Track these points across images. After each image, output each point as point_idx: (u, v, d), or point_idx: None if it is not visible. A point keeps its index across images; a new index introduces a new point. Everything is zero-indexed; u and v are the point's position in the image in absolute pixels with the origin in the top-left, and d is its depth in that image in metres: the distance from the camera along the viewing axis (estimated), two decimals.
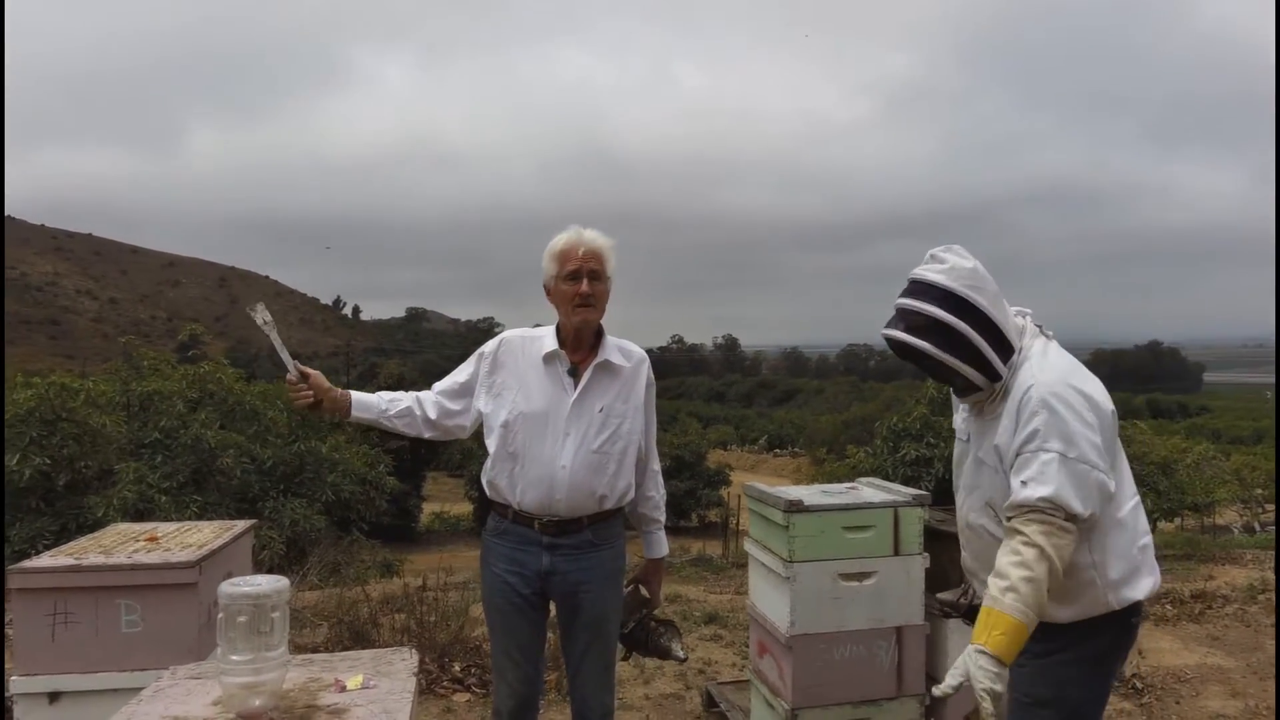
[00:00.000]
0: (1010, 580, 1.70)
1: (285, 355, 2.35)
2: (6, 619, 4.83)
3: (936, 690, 1.70)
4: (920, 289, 1.87)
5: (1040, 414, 1.77)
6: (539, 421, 2.28)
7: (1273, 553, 7.93)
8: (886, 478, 8.92)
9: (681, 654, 2.55)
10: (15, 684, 2.30)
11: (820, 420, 41.73)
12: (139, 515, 7.55)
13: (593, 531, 2.33)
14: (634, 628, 2.53)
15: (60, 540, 6.60)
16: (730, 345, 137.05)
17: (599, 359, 2.33)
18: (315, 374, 2.32)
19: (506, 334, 2.45)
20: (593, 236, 2.33)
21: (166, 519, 7.41)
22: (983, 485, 1.95)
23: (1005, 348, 1.87)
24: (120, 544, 2.54)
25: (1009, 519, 1.78)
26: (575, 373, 2.32)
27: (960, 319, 1.83)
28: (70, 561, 2.34)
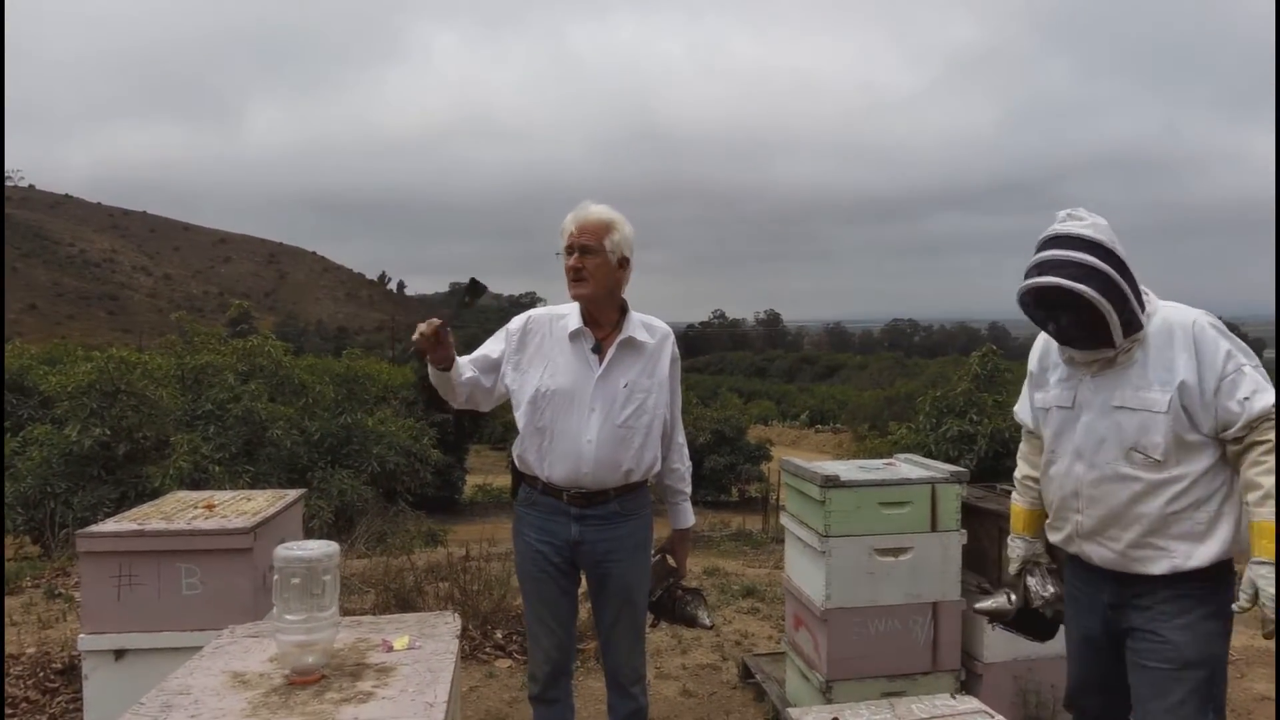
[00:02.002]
0: (1265, 488, 1.79)
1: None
2: (74, 581, 5.09)
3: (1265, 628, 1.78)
4: (1070, 242, 1.91)
5: (1221, 339, 1.89)
6: (565, 397, 2.31)
7: None
8: (929, 454, 8.85)
9: (708, 621, 2.58)
10: (83, 641, 2.44)
11: (863, 396, 41.30)
12: (194, 485, 7.83)
13: (619, 503, 2.37)
14: (661, 596, 2.58)
15: (121, 507, 6.89)
16: (772, 320, 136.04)
17: (623, 335, 2.36)
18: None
19: (533, 311, 2.48)
20: (589, 211, 2.31)
21: (220, 489, 7.70)
22: (1122, 433, 1.95)
23: (1142, 299, 1.94)
24: (180, 511, 2.66)
25: (1240, 438, 1.85)
26: (600, 349, 2.35)
27: (1114, 269, 1.88)
28: (134, 527, 2.46)
